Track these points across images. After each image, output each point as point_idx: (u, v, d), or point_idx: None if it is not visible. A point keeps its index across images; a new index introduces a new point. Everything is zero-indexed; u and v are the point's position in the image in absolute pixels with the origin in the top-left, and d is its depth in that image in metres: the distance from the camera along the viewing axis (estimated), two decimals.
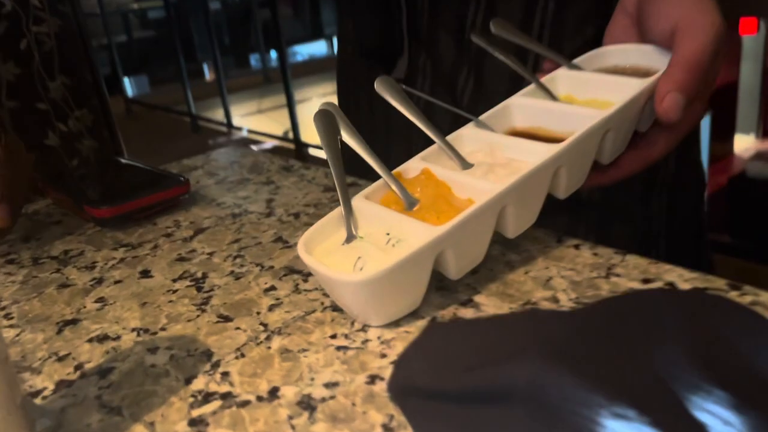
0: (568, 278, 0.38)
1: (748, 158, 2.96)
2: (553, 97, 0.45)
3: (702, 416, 0.21)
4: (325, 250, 0.38)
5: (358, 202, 0.39)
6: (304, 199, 0.57)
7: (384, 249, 0.35)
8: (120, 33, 6.03)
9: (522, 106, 0.45)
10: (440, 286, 0.39)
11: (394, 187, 0.39)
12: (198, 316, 0.40)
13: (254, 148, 4.02)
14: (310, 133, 3.92)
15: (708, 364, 0.22)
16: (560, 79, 0.47)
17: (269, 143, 4.08)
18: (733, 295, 0.35)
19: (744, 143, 3.13)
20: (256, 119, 4.73)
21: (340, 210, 0.39)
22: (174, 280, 0.45)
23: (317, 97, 4.88)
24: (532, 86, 0.46)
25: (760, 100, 3.14)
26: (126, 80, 5.86)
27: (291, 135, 3.87)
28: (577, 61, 0.48)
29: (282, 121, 4.27)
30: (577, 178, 0.41)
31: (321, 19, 6.59)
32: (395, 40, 0.64)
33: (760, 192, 2.84)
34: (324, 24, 6.55)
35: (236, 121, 4.57)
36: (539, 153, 0.38)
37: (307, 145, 3.81)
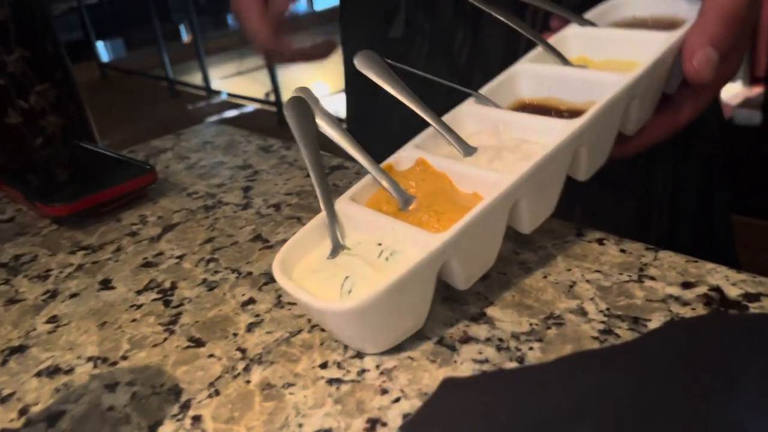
0: (595, 283, 0.33)
1: (736, 105, 2.91)
2: (564, 60, 0.38)
3: None
4: (308, 268, 0.32)
5: (343, 205, 0.33)
6: (285, 186, 0.51)
7: (376, 265, 0.30)
8: None
9: (529, 74, 0.38)
10: (447, 296, 0.34)
11: (384, 184, 0.33)
12: (165, 339, 0.34)
13: (235, 112, 3.92)
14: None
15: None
16: (571, 38, 0.40)
17: (250, 106, 3.97)
18: None
19: (731, 91, 3.07)
20: (236, 81, 4.59)
21: (323, 216, 0.33)
22: (138, 293, 0.39)
23: None
24: (539, 49, 0.39)
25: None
26: (101, 44, 5.67)
27: (273, 97, 3.77)
28: (589, 15, 0.41)
29: (264, 82, 4.15)
30: (600, 156, 0.35)
31: None
32: None
33: (748, 139, 2.80)
34: None
35: (216, 83, 4.44)
36: (555, 131, 0.32)
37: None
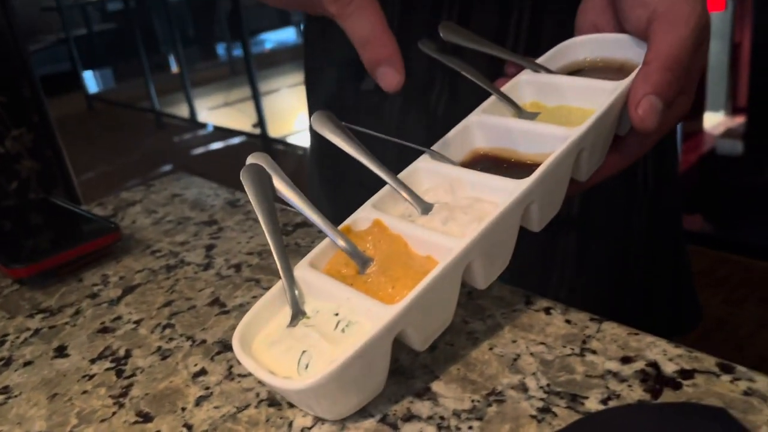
0: (538, 356, 0.33)
1: (718, 135, 2.96)
2: (517, 108, 0.39)
3: None
4: (266, 339, 0.32)
5: (302, 271, 0.34)
6: (248, 244, 0.51)
7: (332, 338, 0.30)
8: (80, 26, 5.84)
9: (483, 126, 0.39)
10: (394, 369, 0.34)
11: (343, 248, 0.33)
12: (114, 413, 0.34)
13: (221, 143, 3.93)
14: (278, 127, 3.84)
15: None
16: (524, 84, 0.41)
17: (237, 138, 3.98)
18: (724, 379, 0.30)
19: (713, 120, 3.12)
20: (223, 112, 4.61)
21: (281, 284, 0.34)
22: (92, 361, 0.39)
23: (286, 88, 4.79)
24: (492, 98, 0.40)
25: (729, 77, 3.14)
26: (90, 74, 5.70)
27: (258, 130, 3.79)
28: (543, 59, 0.42)
29: (250, 114, 4.17)
30: (552, 208, 0.36)
31: None
32: None
33: (729, 169, 2.84)
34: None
35: (203, 115, 4.46)
36: (505, 192, 0.33)
37: (275, 140, 3.73)
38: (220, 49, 6.10)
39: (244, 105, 4.55)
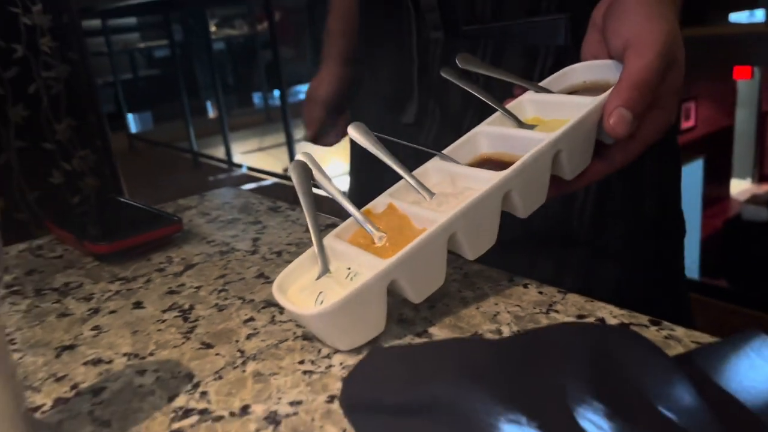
0: (513, 313, 0.43)
1: (743, 202, 3.00)
2: (519, 121, 0.48)
3: (583, 423, 0.25)
4: (300, 287, 0.42)
5: (329, 240, 0.44)
6: (288, 238, 0.62)
7: (343, 284, 0.40)
8: (126, 71, 6.16)
9: (487, 134, 0.49)
10: (401, 318, 0.44)
11: (360, 223, 0.44)
12: (183, 343, 0.44)
13: (253, 185, 4.09)
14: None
15: (597, 384, 0.27)
16: (526, 103, 0.50)
17: (269, 180, 4.14)
18: (652, 329, 0.39)
19: (739, 187, 3.17)
20: (256, 156, 4.81)
21: (312, 249, 0.44)
22: (163, 311, 0.49)
23: None
24: (498, 114, 0.49)
25: (755, 145, 3.21)
26: (130, 116, 5.97)
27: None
28: (546, 81, 0.51)
29: (282, 159, 4.35)
30: (534, 198, 0.44)
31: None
32: (406, 88, 0.69)
33: (754, 235, 2.87)
34: None
35: (237, 158, 4.65)
36: (486, 181, 0.42)
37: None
38: (256, 97, 6.36)
39: (277, 150, 4.74)
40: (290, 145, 3.93)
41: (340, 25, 0.87)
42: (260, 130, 5.55)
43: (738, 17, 2.60)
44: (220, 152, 4.69)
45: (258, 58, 5.85)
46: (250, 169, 4.40)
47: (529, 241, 0.63)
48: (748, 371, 0.29)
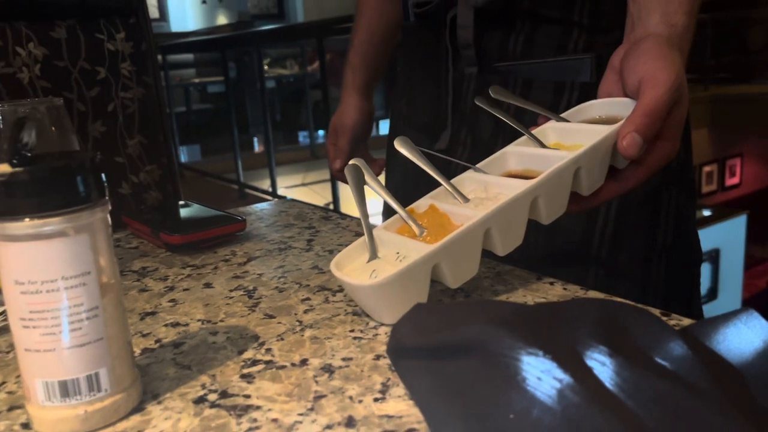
0: (539, 301, 0.49)
1: None
2: (542, 144, 0.55)
3: (589, 362, 0.31)
4: (352, 268, 0.49)
5: (378, 232, 0.51)
6: (339, 240, 0.69)
7: (393, 264, 0.47)
8: (180, 104, 6.44)
9: (515, 153, 0.56)
10: (438, 304, 0.50)
11: (406, 219, 0.50)
12: (249, 314, 0.51)
13: None
14: (350, 208, 4.09)
15: (602, 338, 0.33)
16: (549, 130, 0.57)
17: None
18: (665, 318, 0.44)
19: None
20: (299, 191, 4.94)
21: (363, 238, 0.51)
22: (231, 290, 0.56)
23: None
24: (524, 137, 0.56)
25: None
26: (180, 148, 6.20)
27: (332, 207, 4.05)
28: (565, 114, 0.58)
29: (324, 195, 4.47)
30: (556, 207, 0.51)
31: None
32: (441, 117, 0.76)
33: None
34: None
35: (281, 191, 4.79)
36: (517, 187, 0.49)
37: (345, 217, 3.96)
38: (301, 135, 6.55)
39: (319, 186, 4.87)
40: (334, 181, 4.04)
41: (360, 59, 0.96)
42: (304, 166, 5.70)
43: None
44: (265, 185, 4.84)
45: (306, 97, 6.05)
46: (293, 201, 4.52)
47: (551, 258, 0.69)
48: (735, 337, 0.34)
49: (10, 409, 0.39)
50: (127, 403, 0.38)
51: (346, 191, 4.17)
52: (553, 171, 0.49)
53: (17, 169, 0.33)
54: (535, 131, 0.57)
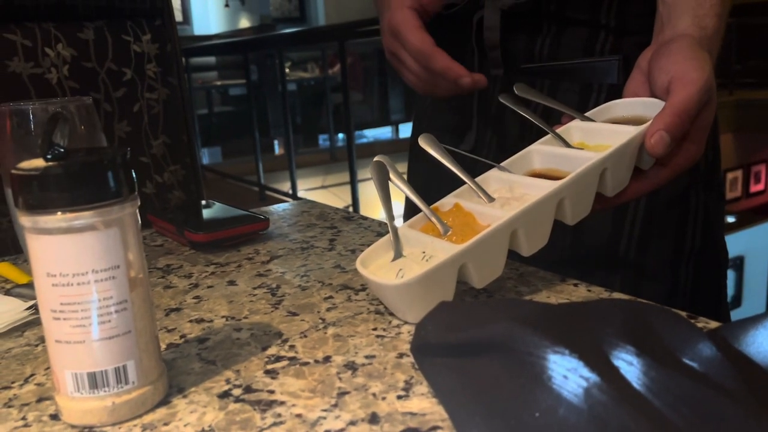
0: (562, 302, 0.48)
1: None
2: (567, 144, 0.55)
3: (616, 362, 0.31)
4: (377, 266, 0.49)
5: (403, 230, 0.51)
6: (361, 240, 0.69)
7: (420, 263, 0.47)
8: (202, 106, 6.50)
9: (539, 152, 0.55)
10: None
11: (431, 218, 0.50)
12: (272, 311, 0.51)
13: None
14: (370, 211, 4.10)
15: (629, 338, 0.33)
16: (573, 129, 0.57)
17: None
18: (692, 321, 0.44)
19: None
20: (319, 193, 4.97)
21: (389, 236, 0.51)
22: (254, 288, 0.57)
23: None
24: (549, 136, 0.56)
25: None
26: (201, 150, 6.26)
27: (351, 209, 4.06)
28: (590, 113, 0.57)
29: (344, 198, 4.48)
30: (582, 208, 0.50)
31: (389, 106, 6.92)
32: (466, 118, 0.76)
33: None
34: (391, 111, 6.88)
35: (300, 194, 4.81)
36: (544, 188, 0.49)
37: (367, 218, 3.97)
38: (321, 138, 6.58)
39: (339, 189, 4.89)
40: (353, 184, 4.05)
41: None
42: (324, 169, 5.73)
43: None
44: (285, 188, 4.86)
45: (327, 100, 6.08)
46: (315, 202, 4.54)
47: (577, 260, 0.68)
48: (765, 339, 0.34)
49: (39, 400, 0.40)
50: (154, 396, 0.38)
51: (365, 195, 4.18)
52: (580, 172, 0.49)
53: (51, 163, 0.34)
54: (559, 130, 0.57)
